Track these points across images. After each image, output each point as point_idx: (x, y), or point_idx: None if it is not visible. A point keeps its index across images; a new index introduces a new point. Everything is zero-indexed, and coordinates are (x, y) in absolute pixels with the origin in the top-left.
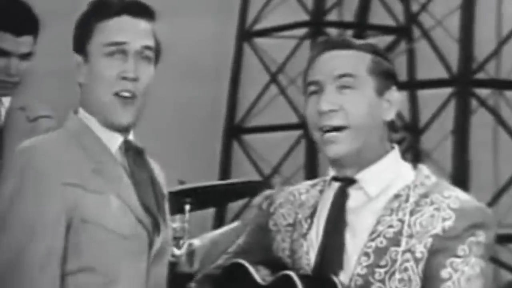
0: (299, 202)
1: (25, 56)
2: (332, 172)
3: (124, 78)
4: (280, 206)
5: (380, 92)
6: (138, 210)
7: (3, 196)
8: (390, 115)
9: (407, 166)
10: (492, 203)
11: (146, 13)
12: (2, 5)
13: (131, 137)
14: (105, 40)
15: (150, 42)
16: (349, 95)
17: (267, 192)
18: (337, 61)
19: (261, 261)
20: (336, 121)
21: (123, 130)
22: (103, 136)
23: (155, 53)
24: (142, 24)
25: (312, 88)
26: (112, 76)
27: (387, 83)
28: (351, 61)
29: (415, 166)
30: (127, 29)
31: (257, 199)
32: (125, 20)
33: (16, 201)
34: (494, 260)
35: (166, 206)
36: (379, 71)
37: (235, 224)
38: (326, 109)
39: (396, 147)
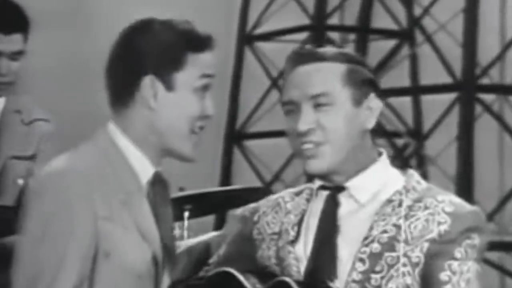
0: (285, 210)
1: (16, 55)
2: (318, 182)
3: (206, 117)
4: (264, 214)
5: (358, 102)
6: (157, 248)
7: (36, 223)
8: (371, 123)
9: (396, 172)
10: (497, 209)
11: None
12: None
13: (160, 168)
14: (201, 71)
15: None
16: (326, 111)
17: (252, 205)
18: (308, 78)
19: (245, 270)
20: (314, 138)
21: (184, 161)
22: (135, 164)
23: None
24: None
25: (288, 107)
26: (196, 113)
27: (364, 91)
28: (324, 77)
29: (404, 172)
30: (212, 64)
31: (238, 210)
32: (211, 55)
33: (50, 227)
34: (500, 268)
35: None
36: (355, 80)
37: (214, 233)
38: (304, 129)
39: (385, 153)
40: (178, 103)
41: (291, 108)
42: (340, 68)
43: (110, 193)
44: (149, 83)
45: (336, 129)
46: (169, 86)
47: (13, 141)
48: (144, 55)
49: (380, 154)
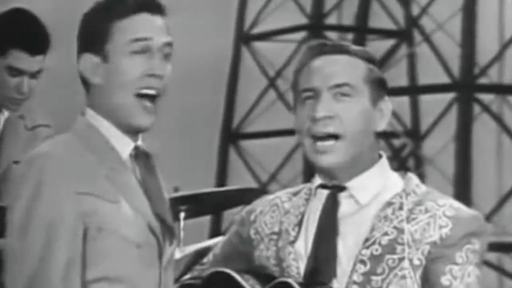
0: (284, 210)
1: (36, 73)
2: (318, 180)
3: (151, 75)
4: (262, 214)
5: (374, 102)
6: (150, 218)
7: (19, 206)
8: (382, 126)
9: (395, 175)
10: (495, 210)
11: (161, 10)
12: (19, 23)
13: (139, 142)
14: (129, 37)
15: (170, 39)
16: (346, 102)
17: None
18: (333, 67)
19: (242, 271)
20: (331, 129)
21: (139, 132)
22: (114, 141)
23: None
24: (160, 21)
25: (307, 94)
26: (136, 74)
27: (380, 92)
28: (348, 69)
29: (404, 175)
30: (149, 26)
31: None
32: (145, 18)
33: (32, 212)
34: (498, 269)
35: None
36: (373, 79)
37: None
38: (322, 115)
39: (384, 155)
40: (115, 71)
41: (309, 95)
42: (362, 65)
43: (90, 170)
44: (90, 61)
45: (353, 122)
46: (104, 58)
47: (16, 146)
48: (79, 35)
49: (380, 156)
